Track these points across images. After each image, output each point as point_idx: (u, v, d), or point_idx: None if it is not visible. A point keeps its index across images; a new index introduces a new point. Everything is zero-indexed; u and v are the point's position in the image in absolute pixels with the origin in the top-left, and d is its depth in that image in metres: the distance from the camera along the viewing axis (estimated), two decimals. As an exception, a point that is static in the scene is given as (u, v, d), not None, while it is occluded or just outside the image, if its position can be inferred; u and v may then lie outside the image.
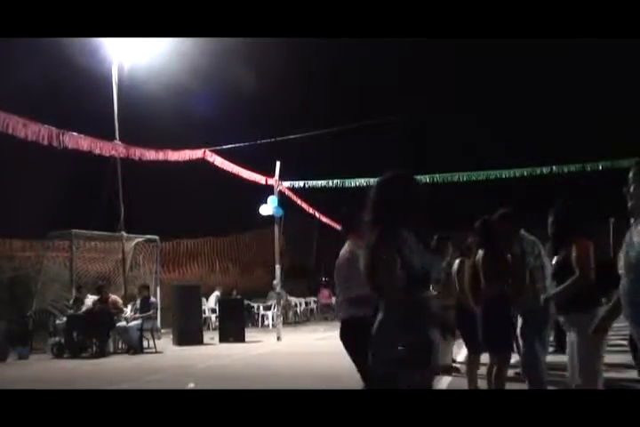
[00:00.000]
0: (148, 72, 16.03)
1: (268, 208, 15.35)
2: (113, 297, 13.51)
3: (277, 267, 16.01)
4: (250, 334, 15.42)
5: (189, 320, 14.35)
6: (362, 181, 16.23)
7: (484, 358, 6.02)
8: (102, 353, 12.27)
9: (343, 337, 4.58)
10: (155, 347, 13.01)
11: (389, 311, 3.07)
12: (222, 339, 14.55)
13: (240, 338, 14.48)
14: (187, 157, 14.06)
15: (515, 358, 5.92)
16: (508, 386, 5.64)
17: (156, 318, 14.22)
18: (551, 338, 7.96)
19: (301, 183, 17.03)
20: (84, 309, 12.93)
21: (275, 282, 16.62)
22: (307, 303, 22.68)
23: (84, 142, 11.17)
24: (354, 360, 4.40)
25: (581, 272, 4.29)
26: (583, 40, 4.30)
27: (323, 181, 17.20)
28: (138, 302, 13.49)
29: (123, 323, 12.91)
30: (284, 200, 16.27)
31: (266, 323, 19.18)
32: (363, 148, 27.14)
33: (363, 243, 3.31)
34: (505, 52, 24.87)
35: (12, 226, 16.94)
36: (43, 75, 17.69)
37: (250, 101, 25.48)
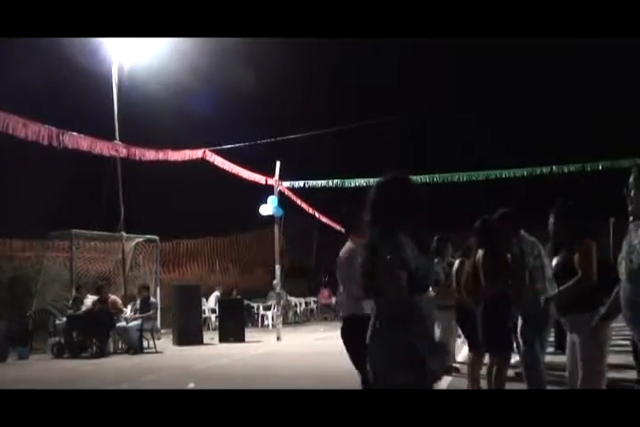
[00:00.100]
0: (147, 72, 16.03)
1: (268, 208, 15.35)
2: (112, 297, 13.51)
3: (277, 267, 16.01)
4: (250, 334, 15.42)
5: (189, 320, 14.35)
6: (362, 181, 16.22)
7: (485, 358, 6.02)
8: (102, 353, 12.26)
9: (344, 335, 4.59)
10: (155, 347, 13.01)
11: (384, 312, 3.08)
12: (222, 339, 14.55)
13: (240, 338, 14.48)
14: (187, 157, 14.06)
15: (515, 358, 5.93)
16: (508, 386, 5.64)
17: (156, 318, 14.22)
18: (551, 338, 7.97)
19: (301, 183, 17.03)
20: (83, 309, 12.93)
21: (275, 282, 16.62)
22: (307, 303, 22.68)
23: (83, 142, 11.17)
24: (352, 358, 4.41)
25: (584, 274, 4.25)
26: (583, 40, 4.30)
27: (323, 181, 17.20)
28: (138, 302, 13.49)
29: (123, 323, 12.91)
30: (284, 200, 16.28)
31: (266, 323, 19.18)
32: (363, 148, 27.16)
33: (363, 242, 3.33)
34: (505, 52, 24.88)
35: (12, 226, 16.94)
36: (43, 75, 17.70)
37: (250, 101, 25.50)
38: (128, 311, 13.51)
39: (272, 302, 18.40)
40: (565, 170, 15.71)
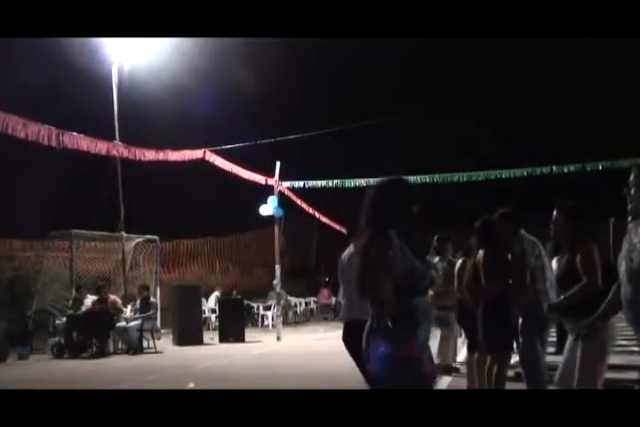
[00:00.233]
0: (147, 72, 16.02)
1: (268, 208, 15.36)
2: (112, 297, 13.51)
3: (277, 267, 16.01)
4: (250, 334, 15.42)
5: (189, 320, 14.36)
6: (362, 181, 16.22)
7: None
8: (102, 353, 12.26)
9: (345, 341, 4.59)
10: (154, 347, 13.01)
11: (380, 313, 3.08)
12: (222, 339, 14.55)
13: (240, 338, 14.48)
14: (187, 157, 14.07)
15: (515, 358, 5.92)
16: (508, 386, 5.64)
17: (156, 318, 14.22)
18: (552, 338, 7.96)
19: (301, 183, 17.03)
20: (83, 309, 12.93)
21: (275, 282, 16.62)
22: (307, 303, 22.69)
23: (83, 142, 11.17)
24: (357, 362, 4.40)
25: (588, 280, 4.17)
26: (583, 40, 4.30)
27: (323, 181, 17.20)
28: (138, 302, 13.49)
29: (122, 323, 12.91)
30: (283, 200, 16.28)
31: (266, 323, 19.18)
32: (363, 148, 27.16)
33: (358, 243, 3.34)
34: (505, 52, 24.88)
35: (12, 226, 16.93)
36: (43, 75, 17.70)
37: (250, 101, 25.50)
38: (128, 311, 13.51)
39: (272, 302, 18.40)
40: (565, 170, 15.71)
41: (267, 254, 20.86)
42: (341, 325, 4.80)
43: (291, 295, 21.40)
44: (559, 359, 4.62)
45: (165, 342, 14.21)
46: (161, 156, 13.32)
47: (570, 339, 4.45)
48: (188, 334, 14.13)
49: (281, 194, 16.13)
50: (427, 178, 16.40)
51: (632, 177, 3.42)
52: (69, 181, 20.27)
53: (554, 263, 5.37)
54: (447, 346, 8.45)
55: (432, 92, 26.89)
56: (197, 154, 14.24)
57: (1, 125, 9.15)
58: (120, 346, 13.32)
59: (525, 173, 16.20)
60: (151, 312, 13.32)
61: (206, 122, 23.23)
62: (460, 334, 8.61)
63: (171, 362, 11.31)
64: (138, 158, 12.98)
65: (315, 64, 26.34)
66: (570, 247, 4.38)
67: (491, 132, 28.44)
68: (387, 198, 3.23)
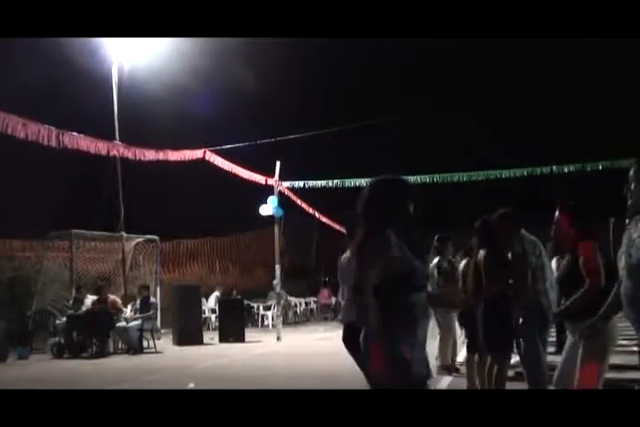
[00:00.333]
0: (148, 72, 16.02)
1: (268, 208, 15.35)
2: (112, 297, 13.51)
3: (277, 267, 16.01)
4: (250, 334, 15.42)
5: (189, 320, 14.35)
6: (362, 181, 16.19)
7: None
8: (102, 353, 12.26)
9: (346, 343, 4.60)
10: (154, 347, 13.01)
11: (376, 312, 3.09)
12: (222, 339, 14.55)
13: (240, 338, 14.48)
14: (187, 157, 14.06)
15: (515, 358, 5.92)
16: (508, 386, 5.64)
17: (156, 318, 14.22)
18: (552, 338, 7.96)
19: (301, 183, 17.03)
20: (83, 309, 12.93)
21: (275, 282, 16.62)
22: (307, 303, 22.69)
23: (83, 142, 11.17)
24: (358, 363, 4.41)
25: (591, 283, 4.13)
26: (583, 40, 4.30)
27: (323, 181, 17.20)
28: (138, 302, 13.49)
29: (122, 323, 12.90)
30: (283, 200, 16.28)
31: (266, 323, 19.18)
32: (363, 148, 27.17)
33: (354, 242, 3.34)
34: (505, 52, 24.88)
35: (12, 226, 16.93)
36: (43, 75, 17.69)
37: (250, 101, 25.50)
38: (128, 311, 13.51)
39: (272, 302, 18.39)
40: (565, 170, 15.71)
41: (267, 254, 20.86)
42: (341, 325, 4.80)
43: (291, 295, 21.40)
44: (559, 359, 4.62)
45: (165, 342, 14.20)
46: (161, 156, 13.32)
47: (569, 339, 4.44)
48: (188, 334, 14.13)
49: (281, 194, 16.13)
50: (427, 178, 16.40)
51: (632, 172, 3.41)
52: (69, 181, 20.27)
53: (553, 263, 5.38)
54: (447, 346, 8.45)
55: (432, 92, 26.91)
56: (197, 154, 14.24)
57: (1, 125, 9.15)
58: (120, 346, 13.32)
59: (525, 173, 16.20)
60: (151, 312, 13.31)
61: (206, 122, 23.26)
62: (460, 334, 8.62)
63: (171, 362, 11.31)
64: (138, 158, 12.97)
65: (315, 64, 26.36)
66: (571, 248, 4.35)
67: (491, 132, 28.47)
68: (382, 197, 3.22)
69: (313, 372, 9.15)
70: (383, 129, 22.57)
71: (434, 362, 8.28)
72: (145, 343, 13.14)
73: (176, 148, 13.98)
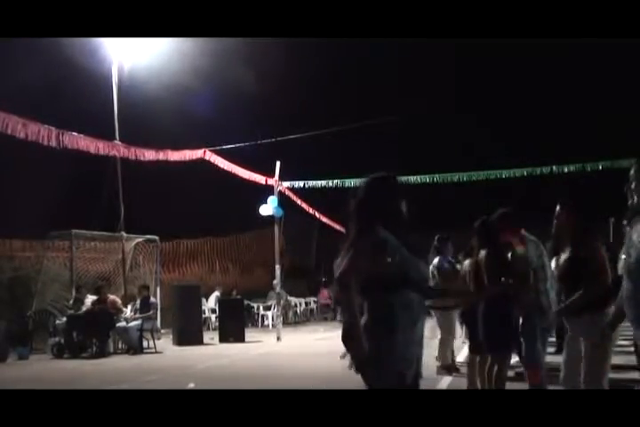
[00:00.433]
0: (148, 72, 16.01)
1: (268, 208, 15.35)
2: (112, 297, 13.51)
3: (277, 267, 16.01)
4: (250, 334, 15.42)
5: (189, 320, 14.35)
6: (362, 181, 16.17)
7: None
8: (102, 353, 12.26)
9: (345, 341, 4.60)
10: (154, 347, 13.01)
11: (369, 310, 3.09)
12: (222, 339, 14.55)
13: (240, 338, 14.48)
14: (187, 157, 14.05)
15: (515, 359, 5.92)
16: (508, 386, 5.63)
17: (156, 318, 14.22)
18: (552, 338, 7.96)
19: (301, 183, 17.03)
20: (83, 309, 12.93)
21: (275, 282, 16.62)
22: (307, 303, 22.68)
23: (83, 142, 11.16)
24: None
25: (601, 280, 4.09)
26: (583, 40, 4.30)
27: (323, 181, 17.18)
28: (138, 302, 13.49)
29: (123, 323, 12.90)
30: (283, 200, 16.27)
31: (266, 323, 19.18)
32: (363, 148, 27.14)
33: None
34: (505, 52, 24.86)
35: (12, 226, 16.92)
36: (43, 75, 17.68)
37: (250, 101, 25.48)
38: (128, 311, 13.51)
39: (272, 302, 18.39)
40: (565, 170, 15.70)
41: (267, 254, 20.85)
42: (341, 324, 4.80)
43: (291, 295, 21.40)
44: (559, 359, 4.62)
45: (165, 342, 14.21)
46: (161, 156, 13.31)
47: (568, 338, 4.43)
48: (188, 334, 14.13)
49: (281, 194, 16.13)
50: (427, 178, 16.40)
51: (633, 171, 3.40)
52: (69, 181, 20.26)
53: (553, 263, 5.37)
54: (447, 346, 8.45)
55: (432, 92, 26.90)
56: (197, 154, 14.24)
57: (1, 125, 9.15)
58: (120, 346, 13.32)
59: (525, 173, 16.19)
60: (151, 312, 13.32)
61: (206, 122, 23.24)
62: (461, 335, 8.61)
63: (171, 362, 11.31)
64: (138, 158, 12.97)
65: (315, 64, 26.34)
66: (573, 244, 4.31)
67: (491, 132, 28.44)
68: (374, 195, 3.22)
69: (313, 372, 9.15)
70: (383, 129, 22.57)
71: (434, 362, 8.29)
72: (145, 343, 13.14)
73: (176, 148, 13.98)
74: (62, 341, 12.61)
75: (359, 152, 26.71)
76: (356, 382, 4.36)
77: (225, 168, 14.92)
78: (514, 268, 5.46)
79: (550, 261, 5.88)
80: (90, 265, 15.80)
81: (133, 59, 15.39)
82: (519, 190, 21.47)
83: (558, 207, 4.44)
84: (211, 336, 15.14)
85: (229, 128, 22.50)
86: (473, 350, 6.20)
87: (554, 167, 15.80)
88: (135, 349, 12.67)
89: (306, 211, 18.94)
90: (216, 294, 18.90)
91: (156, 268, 16.81)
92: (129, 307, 13.76)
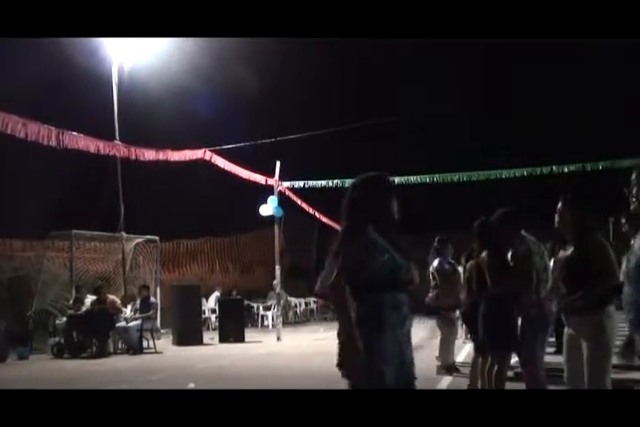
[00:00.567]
0: (148, 72, 16.01)
1: (268, 208, 15.35)
2: (111, 297, 13.51)
3: (277, 267, 16.01)
4: (250, 334, 15.42)
5: (189, 320, 14.36)
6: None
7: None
8: (102, 353, 12.26)
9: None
10: (154, 347, 13.01)
11: (356, 311, 3.10)
12: (222, 339, 14.55)
13: (240, 338, 14.48)
14: (187, 158, 14.05)
15: (515, 359, 5.92)
16: (508, 386, 5.63)
17: (156, 318, 14.22)
18: (552, 338, 7.95)
19: (301, 183, 17.03)
20: (83, 309, 12.93)
21: (275, 282, 16.62)
22: (307, 304, 22.67)
23: (83, 142, 11.16)
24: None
25: (612, 277, 4.00)
26: (583, 40, 4.30)
27: (323, 181, 17.18)
28: (138, 302, 13.50)
29: (122, 323, 12.91)
30: (284, 200, 16.28)
31: (266, 323, 19.18)
32: (363, 148, 27.13)
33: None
34: (505, 52, 24.86)
35: (12, 226, 16.92)
36: (43, 75, 17.68)
37: (250, 101, 25.49)
38: (128, 311, 13.52)
39: (272, 303, 18.40)
40: (565, 170, 15.70)
41: (267, 254, 20.86)
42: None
43: (291, 296, 21.39)
44: (559, 359, 4.61)
45: (165, 342, 14.21)
46: (161, 156, 13.30)
47: (566, 336, 4.39)
48: (188, 334, 14.13)
49: (281, 194, 16.13)
50: (427, 178, 16.40)
51: (634, 176, 3.41)
52: (69, 181, 20.27)
53: (551, 264, 5.36)
54: (447, 347, 8.45)
55: (432, 93, 26.90)
56: (198, 154, 14.23)
57: (1, 125, 9.14)
58: (120, 346, 13.32)
59: (525, 173, 16.19)
60: (151, 312, 13.32)
61: (206, 122, 23.23)
62: (461, 335, 8.62)
63: (171, 362, 11.31)
64: (138, 158, 12.96)
65: (315, 64, 26.33)
66: (575, 241, 4.25)
67: (491, 132, 28.44)
68: (364, 194, 3.21)
69: (313, 372, 9.15)
70: (383, 129, 22.56)
71: (434, 362, 8.29)
72: (145, 343, 13.15)
73: (176, 148, 13.97)
74: (62, 341, 12.61)
75: (359, 152, 26.72)
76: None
77: (225, 168, 14.92)
78: (517, 268, 5.44)
79: (550, 261, 5.88)
80: (90, 265, 15.81)
81: (133, 59, 15.39)
82: (519, 190, 21.46)
83: (560, 203, 4.40)
84: (211, 336, 15.14)
85: (229, 128, 22.50)
86: (477, 349, 6.21)
87: (554, 167, 15.79)
88: (135, 349, 12.67)
89: (306, 211, 18.93)
90: (216, 294, 18.91)
91: (156, 268, 16.82)
92: (129, 307, 13.76)
